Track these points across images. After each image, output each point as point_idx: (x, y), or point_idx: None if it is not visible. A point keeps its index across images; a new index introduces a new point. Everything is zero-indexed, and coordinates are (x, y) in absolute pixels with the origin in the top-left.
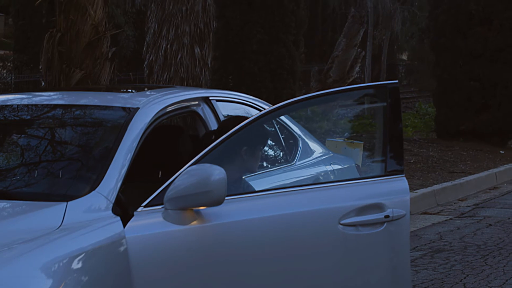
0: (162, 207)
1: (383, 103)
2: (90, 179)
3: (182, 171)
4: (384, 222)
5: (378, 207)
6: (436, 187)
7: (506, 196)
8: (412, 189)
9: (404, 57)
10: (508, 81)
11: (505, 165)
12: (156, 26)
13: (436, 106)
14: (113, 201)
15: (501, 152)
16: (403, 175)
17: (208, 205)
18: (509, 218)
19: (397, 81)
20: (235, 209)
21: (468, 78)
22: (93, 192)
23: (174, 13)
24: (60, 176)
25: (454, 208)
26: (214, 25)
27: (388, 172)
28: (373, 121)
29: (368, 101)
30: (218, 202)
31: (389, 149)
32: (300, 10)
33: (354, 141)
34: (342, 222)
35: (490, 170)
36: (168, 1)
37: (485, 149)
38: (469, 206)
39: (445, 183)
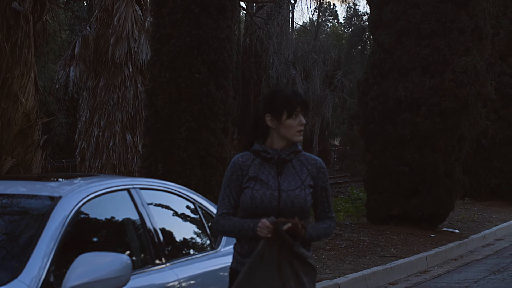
0: None
1: None
2: (13, 267)
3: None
4: None
5: None
6: (366, 271)
7: (436, 279)
8: (342, 273)
9: (336, 142)
10: (437, 166)
11: (435, 249)
12: (88, 114)
13: (367, 191)
14: None
15: (431, 235)
16: None
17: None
18: None
19: None
20: None
21: (397, 163)
22: (14, 280)
23: (106, 100)
24: None
25: None
26: (145, 113)
27: None
28: None
29: None
30: (125, 284)
31: None
32: (228, 98)
33: None
34: None
35: (421, 253)
36: (100, 89)
37: (416, 233)
38: None
39: (375, 267)
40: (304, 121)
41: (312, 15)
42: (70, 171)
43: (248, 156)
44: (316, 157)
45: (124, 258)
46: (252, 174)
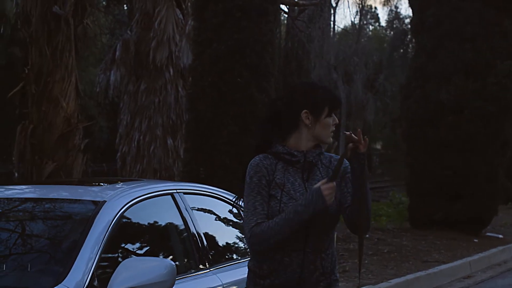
0: None
1: None
2: (57, 272)
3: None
4: None
5: None
6: (409, 276)
7: (480, 285)
8: (385, 279)
9: (378, 146)
10: (480, 170)
11: (479, 254)
12: (128, 118)
13: (409, 195)
14: None
15: (475, 240)
16: None
17: None
18: None
19: None
20: None
21: (440, 167)
22: (59, 285)
23: (147, 104)
24: (29, 269)
25: None
26: (186, 117)
27: None
28: None
29: None
30: None
31: None
32: None
33: None
34: None
35: (464, 258)
36: (141, 93)
37: (459, 238)
38: None
39: (418, 273)
40: (337, 121)
41: (354, 18)
42: (111, 176)
43: (270, 159)
44: (337, 156)
45: (168, 263)
46: (279, 180)
